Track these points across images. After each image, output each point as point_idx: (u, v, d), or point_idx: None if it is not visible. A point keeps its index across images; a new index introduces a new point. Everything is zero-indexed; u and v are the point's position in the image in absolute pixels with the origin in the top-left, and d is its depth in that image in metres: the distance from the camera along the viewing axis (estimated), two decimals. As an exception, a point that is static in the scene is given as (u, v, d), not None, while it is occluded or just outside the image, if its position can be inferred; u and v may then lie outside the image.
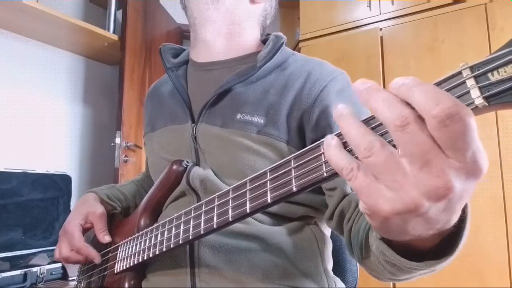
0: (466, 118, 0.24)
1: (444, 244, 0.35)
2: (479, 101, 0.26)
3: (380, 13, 1.92)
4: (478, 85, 0.26)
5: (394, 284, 1.70)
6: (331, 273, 0.64)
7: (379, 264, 0.43)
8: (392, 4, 1.88)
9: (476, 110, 0.26)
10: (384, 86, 1.99)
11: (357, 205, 0.53)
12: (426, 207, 0.26)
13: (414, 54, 1.78)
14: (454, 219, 0.29)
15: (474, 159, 0.25)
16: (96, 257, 0.68)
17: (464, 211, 0.32)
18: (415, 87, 0.26)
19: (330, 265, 0.65)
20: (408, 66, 1.79)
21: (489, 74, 0.25)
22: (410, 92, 0.26)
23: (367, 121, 0.30)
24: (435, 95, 0.25)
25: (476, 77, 0.26)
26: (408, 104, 0.26)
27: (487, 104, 0.26)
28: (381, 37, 1.89)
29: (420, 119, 0.26)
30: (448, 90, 0.27)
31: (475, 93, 0.26)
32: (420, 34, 1.78)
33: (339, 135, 0.32)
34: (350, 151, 0.31)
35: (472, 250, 1.56)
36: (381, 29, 1.90)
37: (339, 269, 0.77)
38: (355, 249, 0.53)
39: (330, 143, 0.31)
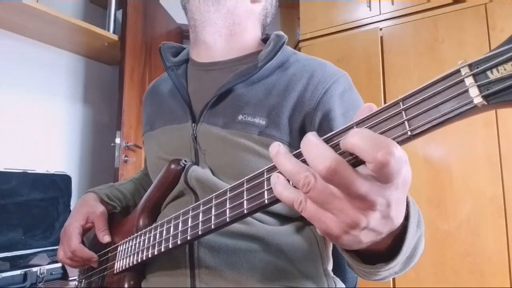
0: (401, 155, 0.28)
1: (398, 245, 0.40)
2: (478, 100, 0.26)
3: (380, 13, 1.92)
4: (477, 84, 0.25)
5: (394, 284, 1.70)
6: (331, 273, 0.64)
7: (353, 266, 0.47)
8: (392, 4, 1.88)
9: (476, 109, 0.26)
10: (384, 86, 1.99)
11: None
12: (364, 221, 0.31)
13: (414, 54, 1.78)
14: (397, 221, 0.34)
15: (396, 183, 0.30)
16: (91, 257, 0.68)
17: (408, 211, 0.38)
18: (354, 136, 0.30)
19: (330, 265, 0.65)
20: (408, 66, 1.79)
21: (488, 72, 0.25)
22: (351, 138, 0.30)
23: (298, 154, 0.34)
24: (375, 141, 0.28)
25: (475, 75, 0.26)
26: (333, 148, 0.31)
27: (486, 103, 0.25)
28: (381, 37, 1.89)
29: (344, 161, 0.30)
30: (446, 88, 0.27)
31: (473, 92, 0.26)
32: (420, 34, 1.78)
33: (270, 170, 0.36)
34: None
35: (472, 250, 1.56)
36: (381, 29, 1.90)
37: (339, 269, 0.77)
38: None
39: (275, 182, 0.35)
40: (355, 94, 0.64)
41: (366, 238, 0.33)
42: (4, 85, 1.77)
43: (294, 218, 0.63)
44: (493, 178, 1.55)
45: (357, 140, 0.29)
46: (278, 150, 0.34)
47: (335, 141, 0.33)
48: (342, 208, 0.31)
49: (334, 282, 0.63)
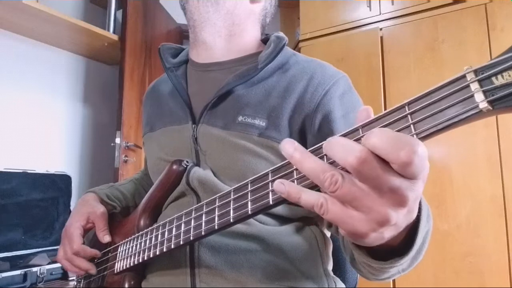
0: (424, 154, 0.28)
1: (408, 239, 0.40)
2: (483, 105, 0.26)
3: (380, 13, 1.92)
4: (482, 89, 0.26)
5: (394, 284, 1.70)
6: (331, 273, 0.64)
7: (359, 265, 0.47)
8: (392, 4, 1.88)
9: (481, 114, 0.27)
10: (384, 86, 1.99)
11: None
12: (395, 217, 0.31)
13: (414, 54, 1.78)
14: (415, 214, 0.34)
15: (424, 176, 0.30)
16: (95, 254, 0.68)
17: (419, 203, 0.38)
18: (376, 137, 0.29)
19: (330, 265, 0.65)
20: (408, 66, 1.79)
21: (493, 78, 0.25)
22: (373, 139, 0.29)
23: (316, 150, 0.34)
24: (397, 141, 0.28)
25: (480, 81, 0.26)
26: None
27: (491, 108, 0.26)
28: (381, 37, 1.89)
29: (374, 153, 0.29)
30: (452, 93, 0.28)
31: (479, 97, 0.26)
32: (420, 34, 1.78)
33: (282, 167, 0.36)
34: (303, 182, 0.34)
35: (472, 250, 1.56)
36: (381, 29, 1.90)
37: (339, 269, 0.77)
38: (346, 252, 0.54)
39: (289, 187, 0.34)
40: (355, 96, 0.65)
41: (389, 234, 0.32)
42: (4, 85, 1.77)
43: (294, 219, 0.63)
44: (493, 178, 1.55)
45: (377, 140, 0.29)
46: (295, 147, 0.33)
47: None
48: (371, 205, 0.30)
49: (334, 282, 0.63)
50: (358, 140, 0.32)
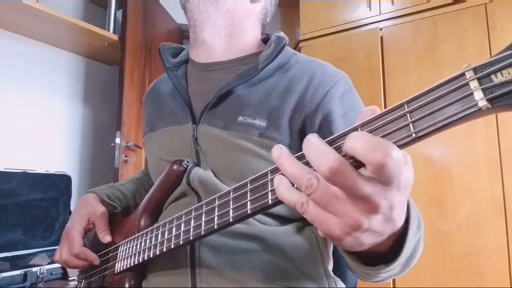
0: (400, 156, 0.29)
1: (398, 247, 0.40)
2: (482, 103, 0.26)
3: (380, 13, 1.92)
4: (482, 87, 0.26)
5: (394, 284, 1.70)
6: (332, 273, 0.64)
7: (352, 268, 0.48)
8: (392, 4, 1.88)
9: (480, 112, 0.26)
10: (384, 86, 1.99)
11: None
12: (367, 223, 0.32)
13: (414, 54, 1.78)
14: (399, 223, 0.34)
15: (397, 185, 0.30)
16: (94, 259, 0.68)
17: (408, 212, 0.38)
18: (353, 140, 0.30)
19: (330, 265, 0.65)
20: (408, 66, 1.79)
21: (493, 76, 0.25)
22: (350, 142, 0.30)
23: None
24: (372, 143, 0.29)
25: (479, 79, 0.26)
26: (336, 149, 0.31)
27: (490, 106, 0.26)
28: (381, 37, 1.89)
29: (347, 163, 0.30)
30: (451, 92, 0.28)
31: (478, 95, 0.26)
32: (420, 34, 1.78)
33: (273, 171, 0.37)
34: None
35: (472, 250, 1.56)
36: (381, 29, 1.90)
37: (339, 269, 0.77)
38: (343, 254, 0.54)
39: (278, 184, 0.35)
40: (355, 96, 0.65)
41: (367, 240, 0.33)
42: (4, 85, 1.77)
43: (295, 219, 0.63)
44: (493, 178, 1.55)
45: (355, 143, 0.29)
46: (280, 153, 0.34)
47: (338, 144, 0.33)
48: (344, 210, 0.31)
49: (335, 282, 0.63)
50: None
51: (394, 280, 1.70)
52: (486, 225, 1.54)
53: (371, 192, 0.30)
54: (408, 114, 0.30)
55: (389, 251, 0.41)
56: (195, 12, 0.69)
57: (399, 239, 0.40)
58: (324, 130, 0.59)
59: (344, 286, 0.66)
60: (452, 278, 1.58)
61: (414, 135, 0.29)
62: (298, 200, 0.34)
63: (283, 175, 0.35)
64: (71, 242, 0.68)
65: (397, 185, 0.30)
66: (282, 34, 0.68)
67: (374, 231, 0.33)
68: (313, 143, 0.32)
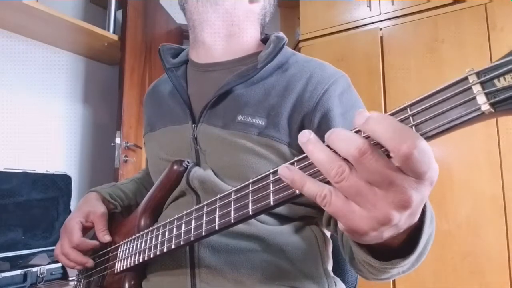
0: (427, 149, 0.28)
1: (411, 241, 0.39)
2: (485, 107, 0.26)
3: (380, 13, 1.92)
4: (485, 91, 0.26)
5: (394, 284, 1.70)
6: (331, 273, 0.64)
7: (360, 265, 0.46)
8: (392, 4, 1.88)
9: (483, 116, 0.26)
10: (384, 86, 1.99)
11: None
12: (397, 218, 0.30)
13: (414, 54, 1.78)
14: (417, 216, 0.33)
15: (430, 178, 0.29)
16: (95, 244, 0.68)
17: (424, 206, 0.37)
18: (379, 121, 0.29)
19: (330, 265, 0.65)
20: (408, 66, 1.79)
21: (496, 80, 0.25)
22: (374, 126, 0.29)
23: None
24: (400, 131, 0.28)
25: (482, 83, 0.26)
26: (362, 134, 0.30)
27: (493, 111, 0.26)
28: (381, 37, 1.89)
29: (377, 146, 0.29)
30: (454, 95, 0.28)
31: (481, 99, 0.26)
32: (420, 34, 1.78)
33: (298, 161, 0.35)
34: (312, 175, 0.33)
35: (472, 249, 1.56)
36: (381, 29, 1.90)
37: (339, 269, 0.77)
38: (345, 251, 0.54)
39: (294, 175, 0.33)
40: (354, 95, 0.65)
41: (388, 233, 0.32)
42: (4, 85, 1.77)
43: (295, 218, 0.63)
44: (493, 178, 1.55)
45: (383, 128, 0.28)
46: (309, 138, 0.32)
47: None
48: (375, 203, 0.30)
49: (334, 282, 0.63)
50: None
51: (394, 280, 1.70)
52: (486, 225, 1.54)
53: (404, 183, 0.29)
54: (410, 117, 0.30)
55: (402, 245, 0.39)
56: (194, 13, 0.69)
57: (412, 232, 0.38)
58: (324, 128, 0.59)
59: (344, 286, 0.66)
60: (452, 278, 1.58)
61: None
62: (319, 191, 0.32)
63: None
64: (70, 234, 0.69)
65: (431, 179, 0.29)
66: (281, 34, 0.68)
67: (399, 226, 0.31)
68: (338, 131, 0.31)
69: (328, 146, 0.32)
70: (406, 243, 0.39)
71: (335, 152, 0.31)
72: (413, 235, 0.39)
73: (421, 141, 0.27)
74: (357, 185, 0.30)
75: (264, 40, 0.74)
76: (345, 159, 0.30)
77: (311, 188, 0.32)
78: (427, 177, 0.29)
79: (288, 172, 0.33)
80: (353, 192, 0.30)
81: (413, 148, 0.27)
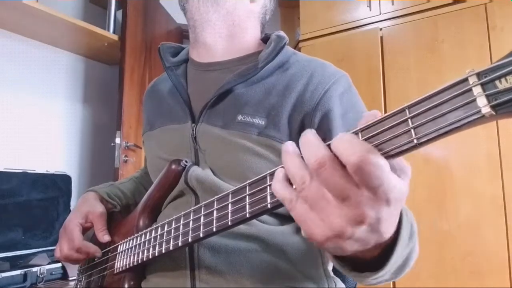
0: (379, 163, 0.28)
1: (386, 255, 0.39)
2: (486, 110, 0.25)
3: (380, 13, 1.92)
4: (485, 93, 0.25)
5: (394, 284, 1.70)
6: (331, 273, 0.64)
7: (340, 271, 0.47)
8: (392, 4, 1.88)
9: (483, 119, 0.26)
10: (384, 86, 1.99)
11: None
12: (349, 232, 0.31)
13: (414, 54, 1.78)
14: (386, 235, 0.34)
15: (386, 193, 0.29)
16: (96, 251, 0.68)
17: (400, 223, 0.37)
18: (340, 138, 0.30)
19: (330, 265, 0.65)
20: (408, 66, 1.79)
21: (497, 82, 0.24)
22: (335, 142, 0.30)
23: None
24: (353, 144, 0.29)
25: (483, 85, 0.25)
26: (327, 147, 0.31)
27: (494, 113, 0.25)
28: (381, 37, 1.89)
29: (336, 160, 0.30)
30: (453, 97, 0.27)
31: (481, 102, 0.25)
32: (420, 34, 1.78)
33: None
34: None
35: (472, 249, 1.56)
36: (381, 29, 1.90)
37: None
38: None
39: (276, 176, 0.35)
40: (355, 95, 0.64)
41: (350, 247, 0.33)
42: (4, 85, 1.77)
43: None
44: (493, 178, 1.55)
45: (338, 142, 0.30)
46: (286, 150, 0.34)
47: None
48: (329, 214, 0.31)
49: (334, 282, 0.63)
50: None
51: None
52: (486, 225, 1.54)
53: (358, 198, 0.29)
54: (409, 120, 0.29)
55: (377, 259, 0.39)
56: (195, 13, 0.69)
57: (387, 248, 0.38)
58: (324, 129, 0.58)
59: (343, 286, 0.66)
60: (452, 278, 1.58)
61: (415, 141, 0.28)
62: (288, 195, 0.34)
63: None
64: (70, 236, 0.69)
65: (386, 198, 0.30)
66: (282, 33, 0.68)
67: (358, 239, 0.32)
68: (307, 138, 0.32)
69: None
70: (382, 256, 0.39)
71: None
72: (388, 249, 0.38)
73: (372, 155, 0.28)
74: (316, 195, 0.31)
75: (265, 39, 0.74)
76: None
77: (281, 191, 0.34)
78: (381, 193, 0.29)
79: (278, 173, 0.35)
80: (312, 201, 0.32)
81: (362, 160, 0.28)
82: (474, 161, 1.59)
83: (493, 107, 0.25)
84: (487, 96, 0.25)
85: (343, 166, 0.30)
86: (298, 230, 0.62)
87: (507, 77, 0.24)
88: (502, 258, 1.51)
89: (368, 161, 0.28)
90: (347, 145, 0.29)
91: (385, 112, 0.30)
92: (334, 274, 0.66)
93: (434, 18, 1.76)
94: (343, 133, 0.31)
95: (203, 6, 0.68)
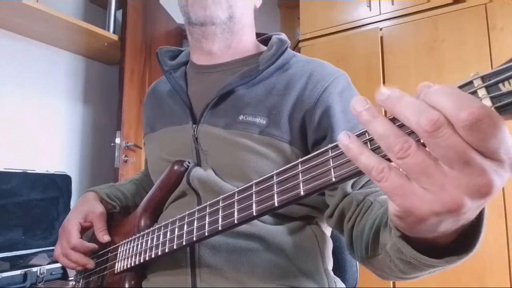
0: (495, 118, 0.24)
1: (461, 239, 0.34)
2: None
3: (380, 13, 1.92)
4: (490, 95, 0.26)
5: (394, 284, 1.70)
6: (331, 273, 0.64)
7: (390, 263, 0.42)
8: (392, 4, 1.88)
9: None
10: (384, 86, 1.98)
11: (358, 205, 0.53)
12: (468, 206, 0.26)
13: (414, 54, 1.78)
14: (479, 210, 0.29)
15: (509, 155, 0.25)
16: (93, 248, 0.68)
17: None
18: (440, 91, 0.25)
19: (330, 265, 0.65)
20: (408, 66, 1.79)
21: (500, 85, 0.25)
22: (435, 96, 0.25)
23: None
24: (461, 99, 0.24)
25: (487, 87, 0.26)
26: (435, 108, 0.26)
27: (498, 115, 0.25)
28: (381, 37, 1.89)
29: (451, 121, 0.25)
30: None
31: (486, 103, 0.26)
32: (420, 34, 1.78)
33: (359, 135, 0.31)
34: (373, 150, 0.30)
35: (472, 250, 1.56)
36: (381, 29, 1.90)
37: (339, 269, 0.77)
38: (358, 248, 0.51)
39: (349, 142, 0.30)
40: (355, 93, 0.65)
41: (446, 226, 0.29)
42: (4, 85, 1.77)
43: (295, 218, 0.63)
44: (493, 178, 1.55)
45: (442, 95, 0.25)
46: (366, 107, 0.29)
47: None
48: (444, 184, 0.26)
49: (334, 282, 0.63)
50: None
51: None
52: (486, 225, 1.54)
53: (484, 164, 0.25)
54: None
55: (445, 242, 0.35)
56: (207, 28, 0.68)
57: (460, 230, 0.33)
58: (324, 125, 0.59)
59: (343, 285, 0.66)
60: (452, 278, 1.58)
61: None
62: (378, 164, 0.28)
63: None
64: (68, 235, 0.69)
65: (509, 161, 0.25)
66: (283, 36, 0.68)
67: (465, 217, 0.28)
68: (407, 99, 0.27)
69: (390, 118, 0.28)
70: (452, 239, 0.34)
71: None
72: (460, 231, 0.33)
73: (485, 110, 0.24)
74: (425, 162, 0.26)
75: (263, 40, 0.74)
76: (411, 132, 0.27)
77: (368, 159, 0.29)
78: (503, 154, 0.25)
79: (347, 138, 0.30)
80: (418, 171, 0.26)
81: (474, 116, 0.23)
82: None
83: (497, 109, 0.25)
84: (492, 98, 0.25)
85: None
86: (298, 229, 0.62)
87: (510, 80, 0.25)
88: (502, 258, 1.51)
89: (481, 116, 0.23)
90: (454, 99, 0.24)
91: (383, 113, 0.30)
92: (335, 273, 0.67)
93: (434, 18, 1.76)
94: (441, 85, 0.26)
95: (218, 21, 0.65)
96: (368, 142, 0.31)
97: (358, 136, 0.31)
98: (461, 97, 0.25)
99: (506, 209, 1.52)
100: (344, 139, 0.30)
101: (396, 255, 0.39)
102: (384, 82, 1.85)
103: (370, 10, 1.94)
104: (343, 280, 0.71)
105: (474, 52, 1.64)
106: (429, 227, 0.29)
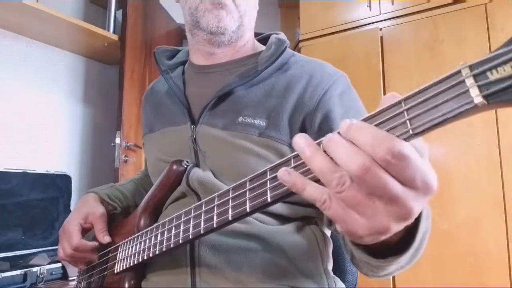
0: (404, 151, 0.28)
1: (407, 237, 0.40)
2: (478, 99, 0.26)
3: (380, 13, 1.92)
4: (477, 84, 0.26)
5: (394, 284, 1.70)
6: (331, 273, 0.64)
7: (360, 263, 0.48)
8: (392, 4, 1.88)
9: (476, 108, 0.27)
10: (384, 86, 1.99)
11: None
12: (395, 228, 0.31)
13: (414, 54, 1.78)
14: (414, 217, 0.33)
15: (425, 182, 0.29)
16: (94, 247, 0.69)
17: None
18: (358, 130, 0.30)
19: (330, 265, 0.65)
20: (408, 66, 1.79)
21: (488, 73, 0.26)
22: (355, 134, 0.30)
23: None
24: (376, 137, 0.28)
25: (475, 76, 0.26)
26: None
27: (486, 103, 0.26)
28: (381, 37, 1.89)
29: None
30: (447, 89, 0.28)
31: (474, 92, 0.26)
32: (420, 34, 1.78)
33: (295, 158, 0.35)
34: (308, 173, 0.34)
35: (472, 249, 1.56)
36: (381, 29, 1.90)
37: (339, 269, 0.77)
38: (347, 250, 0.54)
39: (294, 177, 0.34)
40: (354, 94, 0.65)
41: (384, 237, 0.33)
42: (4, 85, 1.77)
43: (295, 218, 0.63)
44: (493, 178, 1.55)
45: (362, 134, 0.29)
46: (307, 144, 0.32)
47: None
48: (375, 214, 0.30)
49: (334, 281, 0.63)
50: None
51: (394, 280, 1.70)
52: (486, 225, 1.54)
53: (404, 196, 0.29)
54: (405, 112, 0.30)
55: (399, 242, 0.40)
56: (219, 37, 0.67)
57: (408, 229, 0.38)
58: (325, 129, 0.59)
59: (343, 285, 0.66)
60: (451, 277, 1.58)
61: (411, 131, 0.29)
62: (320, 195, 0.32)
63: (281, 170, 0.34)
64: (69, 236, 0.69)
65: (424, 186, 0.29)
66: (282, 36, 0.68)
67: (396, 231, 0.32)
68: (338, 140, 0.31)
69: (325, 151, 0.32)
70: (402, 239, 0.40)
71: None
72: (408, 231, 0.39)
73: (398, 144, 0.28)
74: (357, 197, 0.30)
75: (262, 39, 0.74)
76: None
77: (312, 192, 0.33)
78: (418, 183, 0.29)
79: (288, 176, 0.34)
80: (353, 203, 0.30)
81: (388, 152, 0.28)
82: (474, 161, 1.59)
83: (485, 97, 0.26)
84: (479, 87, 0.26)
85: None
86: (298, 229, 0.62)
87: (498, 68, 0.25)
88: (502, 257, 1.51)
89: (395, 151, 0.28)
90: (371, 138, 0.29)
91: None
92: (334, 273, 0.67)
93: (434, 18, 1.76)
94: (362, 123, 0.30)
95: (232, 31, 0.66)
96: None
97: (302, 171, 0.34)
98: (377, 135, 0.29)
99: (506, 209, 1.52)
100: (286, 178, 0.34)
101: (357, 257, 0.45)
102: (384, 82, 1.85)
103: (370, 10, 1.94)
104: (343, 280, 0.71)
105: (474, 52, 1.64)
106: (369, 241, 0.33)
